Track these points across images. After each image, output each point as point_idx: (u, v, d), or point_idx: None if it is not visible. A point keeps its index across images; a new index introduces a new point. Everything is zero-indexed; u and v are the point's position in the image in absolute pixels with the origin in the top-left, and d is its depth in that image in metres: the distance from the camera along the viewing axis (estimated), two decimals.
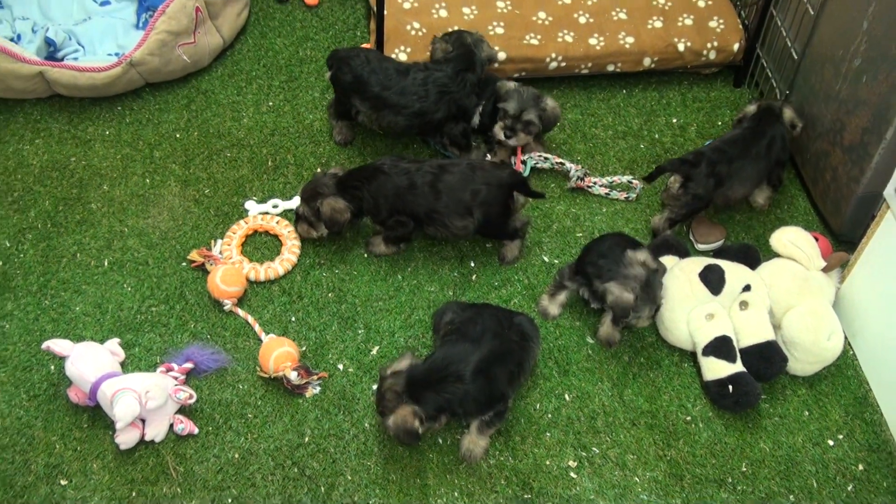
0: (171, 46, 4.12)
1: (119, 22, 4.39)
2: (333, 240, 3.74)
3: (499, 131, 3.86)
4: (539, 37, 4.27)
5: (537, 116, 3.86)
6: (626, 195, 3.94)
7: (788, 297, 3.43)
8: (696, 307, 3.42)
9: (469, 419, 3.11)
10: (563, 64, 4.26)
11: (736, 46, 4.32)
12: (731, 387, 3.27)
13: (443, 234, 3.64)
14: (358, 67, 3.82)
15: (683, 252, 3.67)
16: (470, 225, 3.55)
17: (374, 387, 3.31)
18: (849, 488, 3.18)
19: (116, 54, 4.24)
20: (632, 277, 3.27)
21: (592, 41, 4.27)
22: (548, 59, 4.24)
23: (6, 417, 3.19)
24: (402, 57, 4.19)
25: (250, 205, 3.85)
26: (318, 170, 3.91)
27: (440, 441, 3.20)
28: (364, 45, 4.41)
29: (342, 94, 3.92)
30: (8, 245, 3.66)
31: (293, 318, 3.52)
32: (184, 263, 3.65)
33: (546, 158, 3.97)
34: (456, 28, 4.13)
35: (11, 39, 4.17)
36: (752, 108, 3.88)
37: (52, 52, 4.20)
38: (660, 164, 3.80)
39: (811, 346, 3.33)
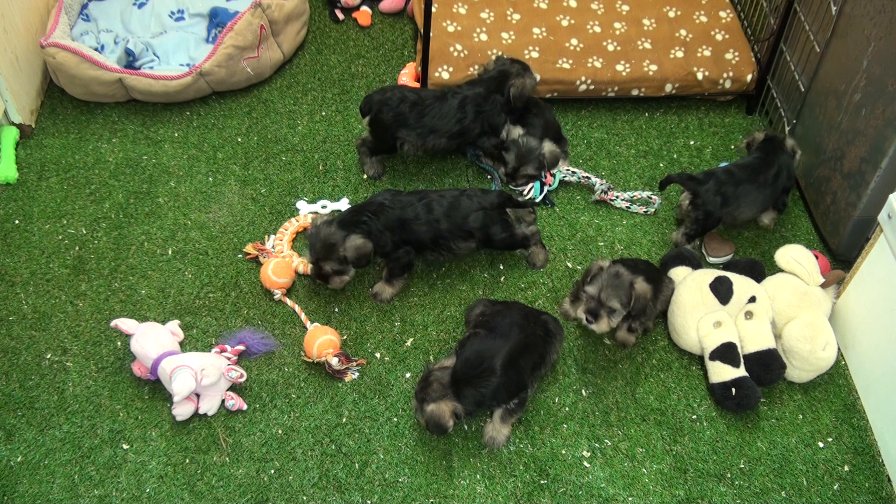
0: (236, 59, 4.14)
1: (191, 36, 4.41)
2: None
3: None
4: (571, 61, 4.25)
5: (537, 167, 3.86)
6: (645, 209, 3.91)
7: (789, 309, 3.40)
8: (706, 315, 3.39)
9: (497, 407, 3.09)
10: (592, 87, 4.24)
11: (749, 77, 4.27)
12: (734, 390, 3.24)
13: (447, 257, 3.61)
14: (397, 105, 3.77)
15: (696, 264, 3.63)
16: (473, 244, 3.53)
17: (408, 375, 3.31)
18: (835, 487, 3.14)
19: (188, 65, 4.26)
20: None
21: (619, 67, 4.24)
22: (578, 82, 4.21)
23: (77, 386, 3.23)
24: (445, 76, 4.18)
25: (301, 204, 3.86)
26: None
27: (466, 427, 3.19)
28: (400, 81, 4.38)
29: (384, 132, 3.83)
30: (84, 232, 3.69)
31: (336, 309, 3.52)
32: (239, 255, 3.66)
33: (573, 172, 3.95)
34: (501, 54, 4.09)
35: (95, 49, 4.20)
36: (760, 136, 3.85)
37: (130, 61, 4.22)
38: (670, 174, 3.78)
39: (808, 355, 3.29)
